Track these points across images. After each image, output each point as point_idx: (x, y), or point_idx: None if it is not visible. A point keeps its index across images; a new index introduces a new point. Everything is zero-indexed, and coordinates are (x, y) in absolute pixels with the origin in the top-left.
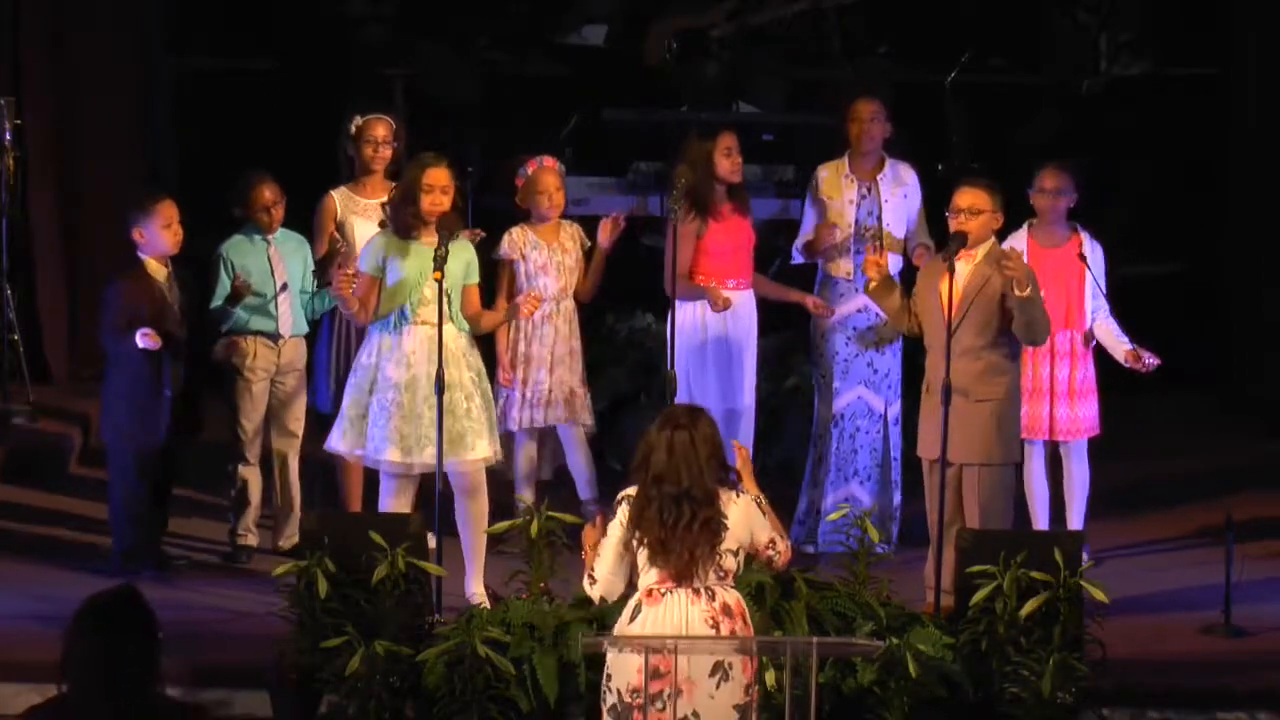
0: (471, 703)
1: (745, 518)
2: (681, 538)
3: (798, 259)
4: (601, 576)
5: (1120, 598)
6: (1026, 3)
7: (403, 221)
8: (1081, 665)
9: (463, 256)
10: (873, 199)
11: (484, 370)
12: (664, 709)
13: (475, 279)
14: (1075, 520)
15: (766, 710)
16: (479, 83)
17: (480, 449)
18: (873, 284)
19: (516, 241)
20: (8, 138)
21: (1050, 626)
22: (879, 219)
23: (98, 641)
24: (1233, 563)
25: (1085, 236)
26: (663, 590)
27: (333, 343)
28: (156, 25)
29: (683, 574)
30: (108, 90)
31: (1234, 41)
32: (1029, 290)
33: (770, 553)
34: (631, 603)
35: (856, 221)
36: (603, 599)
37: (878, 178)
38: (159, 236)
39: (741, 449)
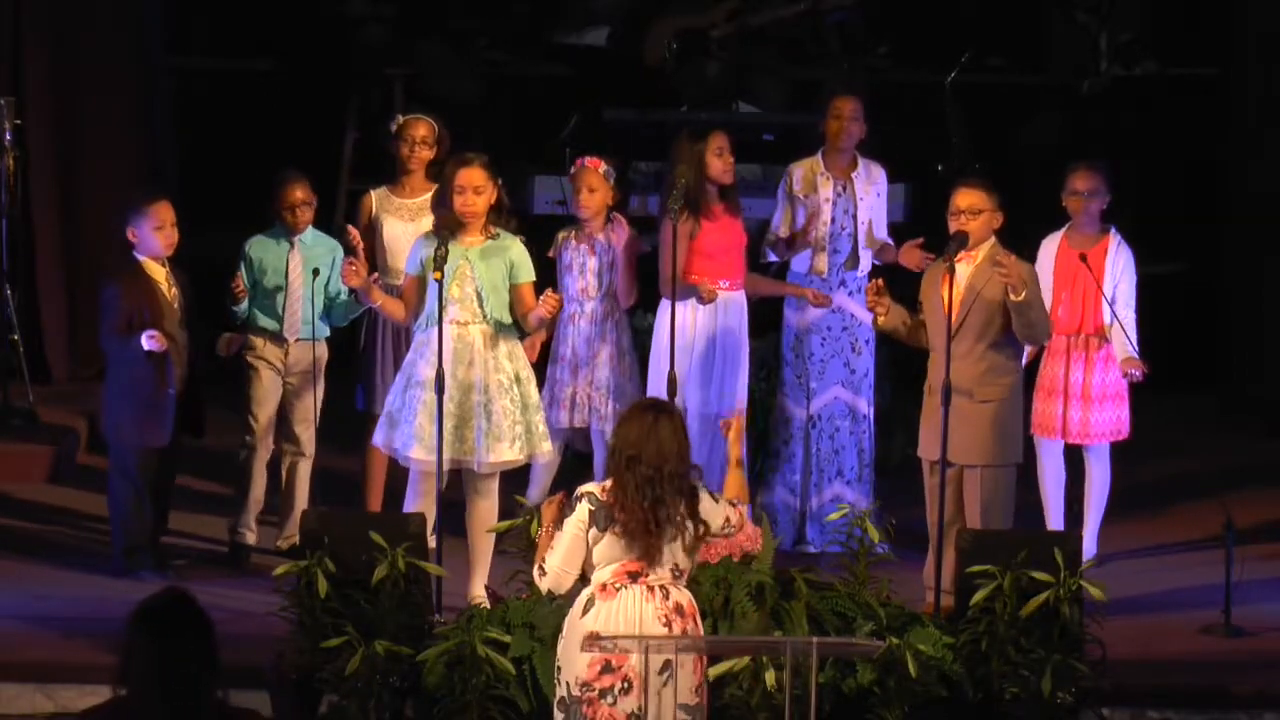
0: (471, 703)
1: (704, 512)
2: (668, 517)
3: (771, 257)
4: (552, 569)
5: (1120, 598)
6: (1026, 3)
7: (440, 221)
8: (1081, 665)
9: (505, 255)
10: (848, 197)
11: (525, 374)
12: (614, 704)
13: (524, 278)
14: (1091, 523)
15: (766, 710)
16: (479, 83)
17: (501, 453)
18: (881, 318)
19: (557, 242)
20: (8, 138)
21: (1050, 626)
22: (854, 216)
23: (154, 646)
24: (1233, 563)
25: (1116, 240)
26: (617, 585)
27: (376, 343)
28: (156, 25)
29: (655, 558)
30: (108, 90)
31: (1234, 41)
32: (1024, 294)
33: (726, 529)
34: (584, 596)
35: (833, 219)
36: (549, 592)
37: (852, 175)
38: (151, 238)
39: (735, 420)
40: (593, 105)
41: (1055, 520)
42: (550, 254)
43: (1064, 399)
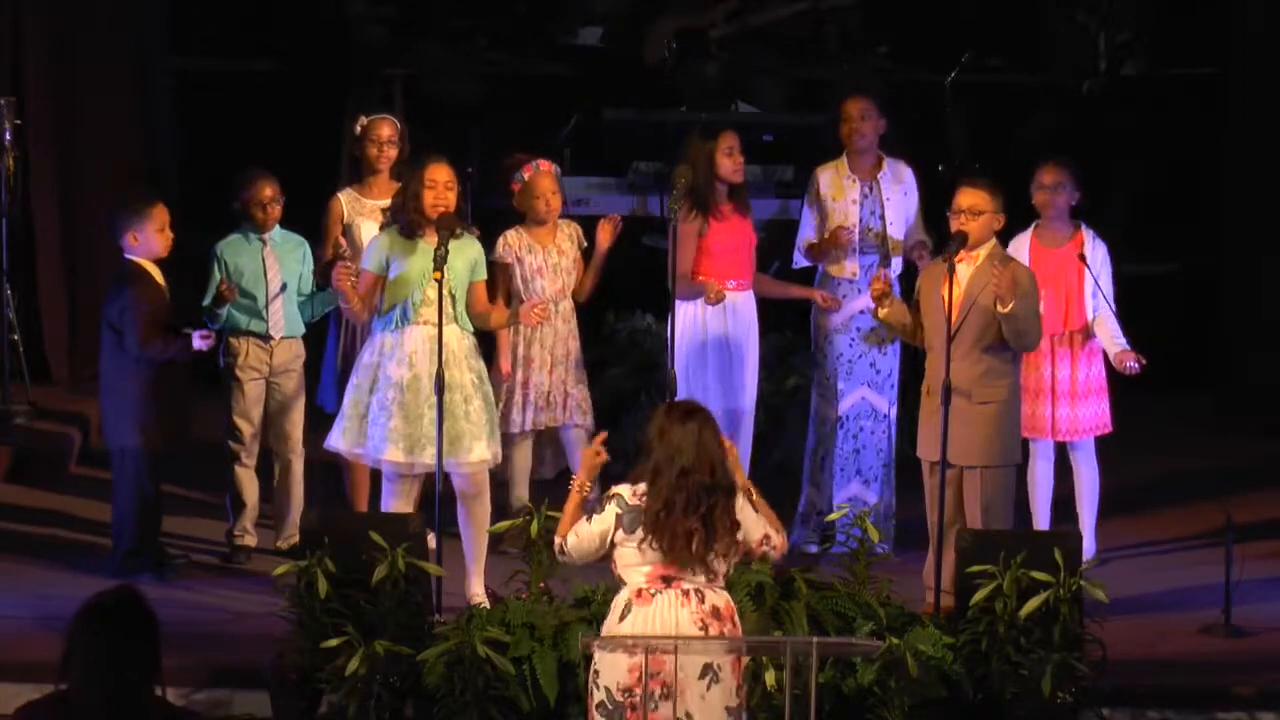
0: (471, 703)
1: (745, 519)
2: (709, 527)
3: (801, 261)
4: (570, 555)
5: (1120, 598)
6: (1026, 3)
7: (406, 219)
8: (1081, 665)
9: (467, 255)
10: (875, 198)
11: (485, 373)
12: (655, 709)
13: (482, 276)
14: (1087, 520)
15: (766, 710)
16: (479, 83)
17: (478, 451)
18: (883, 310)
19: (512, 244)
20: (8, 138)
21: (1050, 626)
22: (882, 218)
23: (98, 642)
24: (1233, 563)
25: (1089, 235)
26: (652, 591)
27: (340, 343)
28: (156, 25)
29: (697, 566)
30: (108, 90)
31: (1233, 41)
32: (1011, 306)
33: (765, 548)
34: (620, 601)
35: (860, 221)
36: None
37: (878, 176)
38: (153, 240)
39: (730, 446)
40: (593, 105)
41: (1042, 521)
42: (506, 259)
43: (1052, 398)
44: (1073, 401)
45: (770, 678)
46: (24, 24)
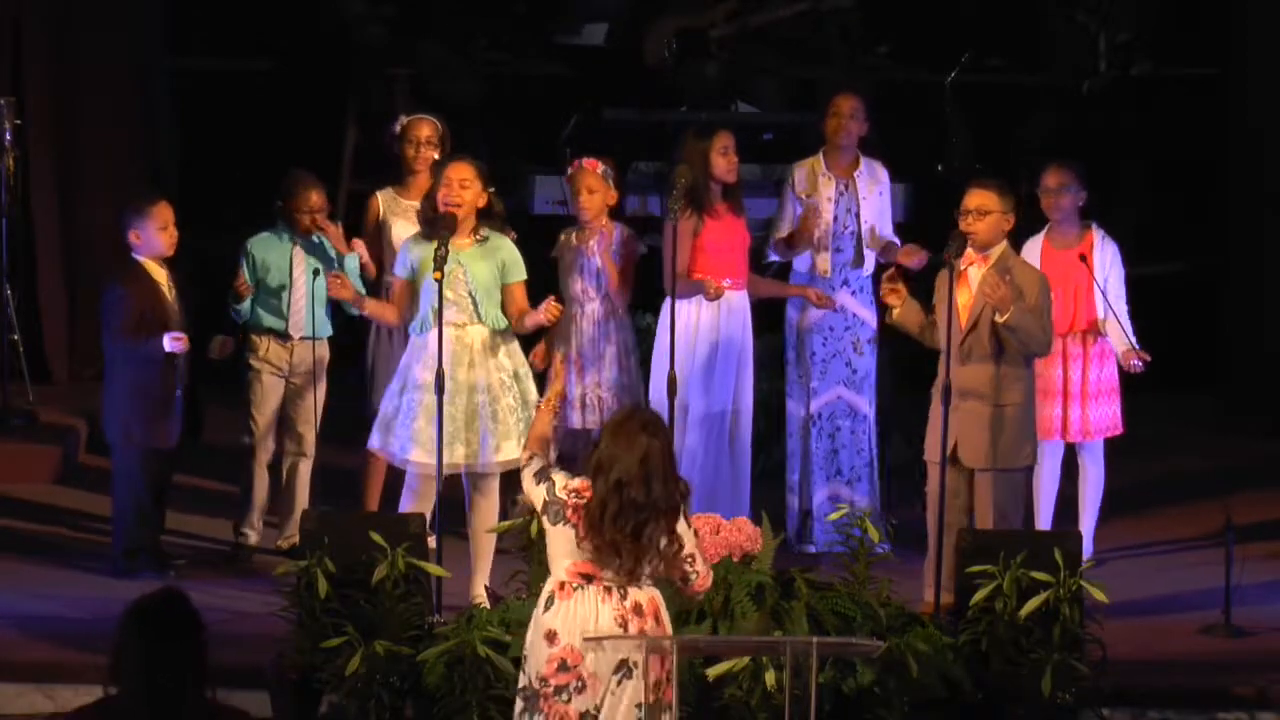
0: (471, 703)
1: (680, 533)
2: (638, 545)
3: (773, 256)
4: (524, 481)
5: (1120, 598)
6: (1026, 3)
7: (426, 219)
8: (1081, 665)
9: (496, 256)
10: (850, 196)
11: (523, 371)
12: (569, 701)
13: (515, 278)
14: (1088, 521)
15: (766, 710)
16: (479, 83)
17: (507, 451)
18: (896, 312)
19: (560, 243)
20: (8, 138)
21: (1050, 626)
22: (857, 216)
23: (137, 645)
24: (1233, 563)
25: (1099, 235)
26: (574, 585)
27: (370, 345)
28: (156, 25)
29: (621, 570)
30: (108, 90)
31: (1234, 41)
32: (1008, 317)
33: (687, 568)
34: (546, 591)
35: (835, 219)
36: None
37: (854, 175)
38: (155, 238)
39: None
40: (593, 105)
41: (1045, 521)
42: (554, 255)
43: (1064, 399)
44: (1084, 402)
45: (770, 678)
46: (24, 24)
